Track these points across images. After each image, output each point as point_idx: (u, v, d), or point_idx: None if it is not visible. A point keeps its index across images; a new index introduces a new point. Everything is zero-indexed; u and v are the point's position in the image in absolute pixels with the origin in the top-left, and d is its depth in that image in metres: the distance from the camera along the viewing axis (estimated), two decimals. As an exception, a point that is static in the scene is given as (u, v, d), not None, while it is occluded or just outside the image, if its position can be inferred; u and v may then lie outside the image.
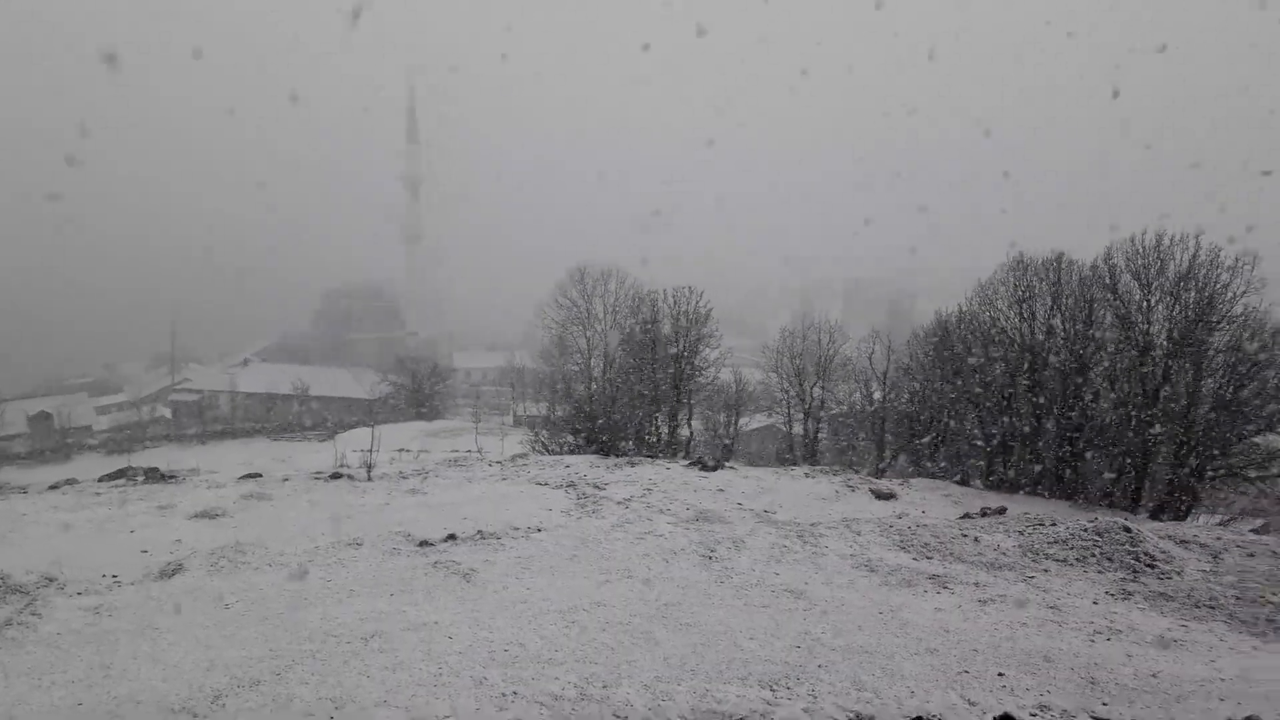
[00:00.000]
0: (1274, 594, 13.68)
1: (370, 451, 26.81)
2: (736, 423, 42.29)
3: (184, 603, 12.31)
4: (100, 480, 25.82)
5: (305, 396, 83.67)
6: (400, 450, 43.24)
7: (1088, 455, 26.87)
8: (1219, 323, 25.05)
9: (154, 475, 26.28)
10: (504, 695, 8.89)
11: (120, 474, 26.81)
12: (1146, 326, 25.99)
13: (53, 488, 24.07)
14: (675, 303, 38.78)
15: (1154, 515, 24.81)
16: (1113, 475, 26.50)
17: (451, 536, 16.47)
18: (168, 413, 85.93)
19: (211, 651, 10.23)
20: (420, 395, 77.33)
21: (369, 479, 23.75)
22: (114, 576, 14.01)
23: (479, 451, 41.12)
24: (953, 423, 31.91)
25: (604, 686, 9.18)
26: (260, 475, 26.15)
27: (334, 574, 13.88)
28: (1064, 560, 15.50)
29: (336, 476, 24.12)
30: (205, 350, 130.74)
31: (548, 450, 34.62)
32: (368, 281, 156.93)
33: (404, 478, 24.20)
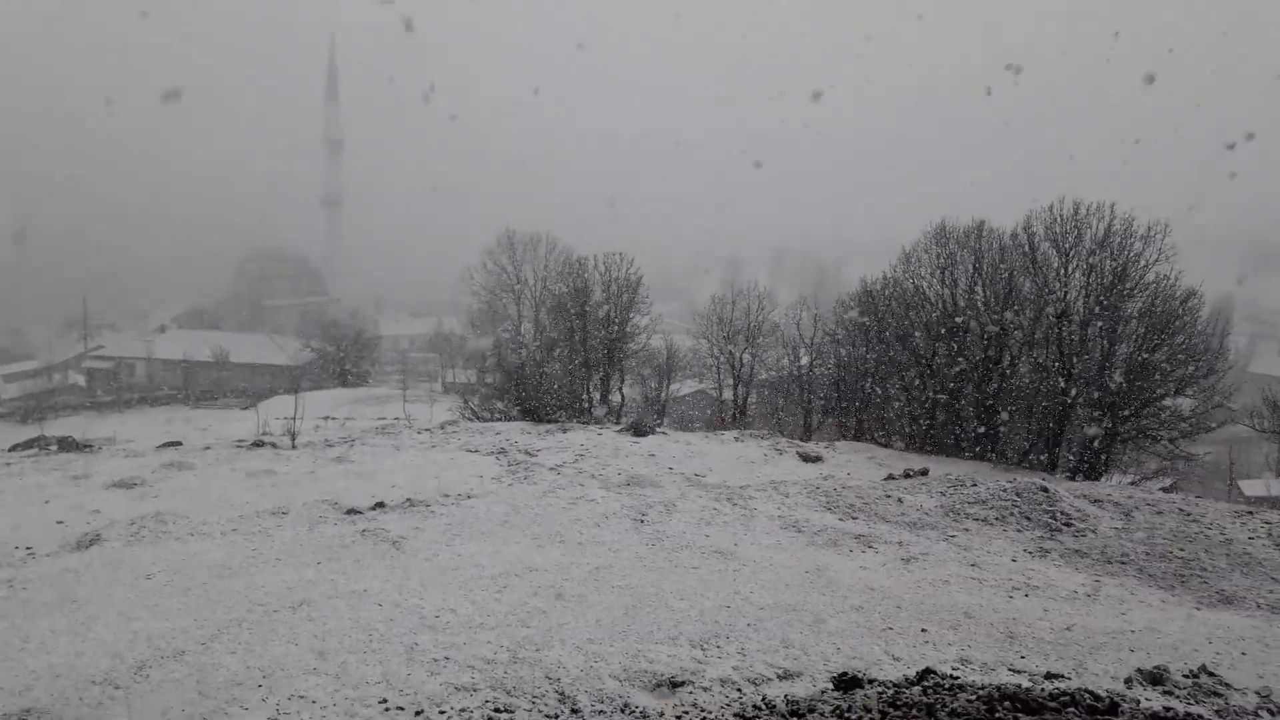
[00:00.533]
0: (1180, 549, 14.28)
1: (294, 419, 26.31)
2: (668, 388, 42.55)
3: (103, 574, 11.98)
4: (10, 450, 24.95)
5: (225, 364, 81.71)
6: (325, 418, 42.52)
7: (1007, 417, 27.63)
8: (1133, 290, 25.86)
9: (68, 444, 25.48)
10: (435, 660, 8.85)
11: (32, 443, 25.97)
12: (1064, 293, 26.72)
13: (-41, 458, 23.17)
14: (606, 269, 38.71)
15: (1070, 475, 25.65)
16: (1031, 437, 27.33)
17: (380, 504, 16.29)
18: (81, 380, 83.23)
19: (134, 623, 9.97)
20: (345, 362, 76.12)
21: (293, 447, 23.34)
22: (28, 548, 13.57)
23: (407, 419, 40.66)
24: (878, 387, 32.50)
25: (536, 649, 9.20)
26: (180, 444, 25.55)
27: (259, 543, 13.64)
28: (984, 519, 15.97)
29: (259, 445, 23.66)
30: (119, 316, 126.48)
31: (478, 417, 34.41)
32: (287, 245, 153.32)
33: (329, 445, 23.84)
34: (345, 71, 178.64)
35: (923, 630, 10.36)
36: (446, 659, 8.88)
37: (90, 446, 25.46)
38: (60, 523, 15.26)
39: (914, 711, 7.20)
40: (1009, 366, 27.87)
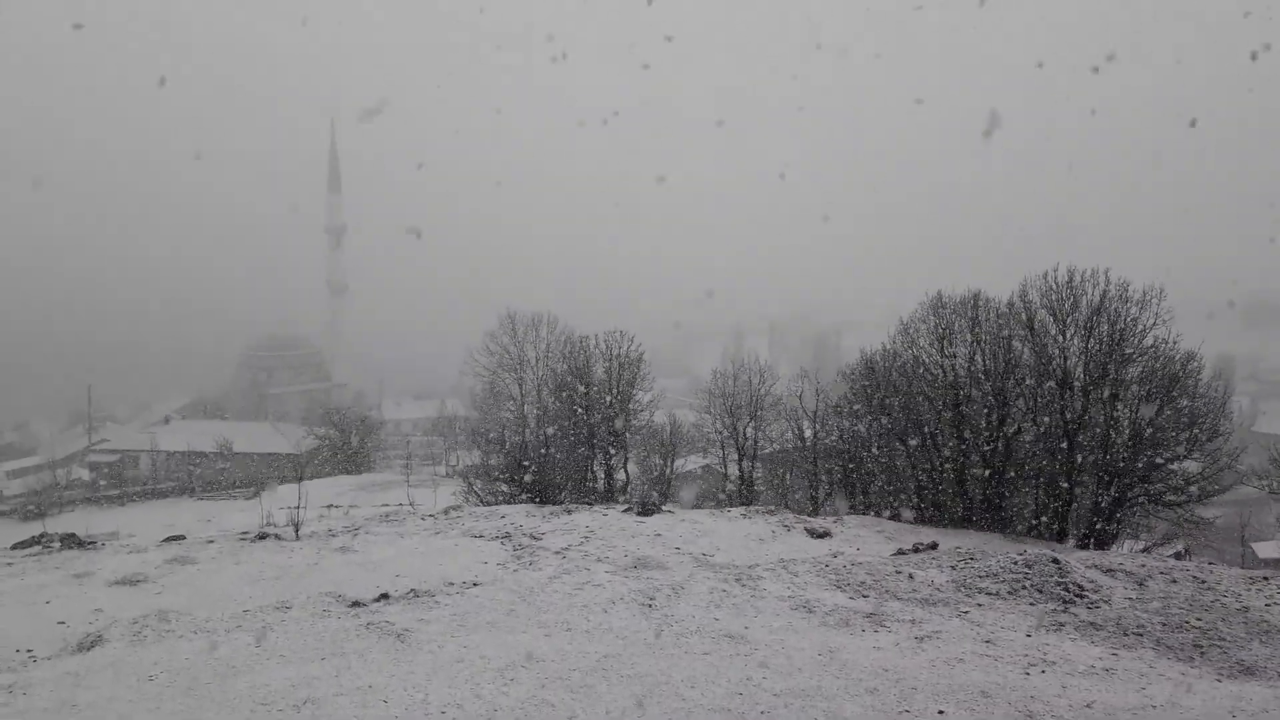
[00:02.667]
0: (1197, 619, 14.07)
1: (297, 509, 26.12)
2: (672, 465, 42.29)
3: (105, 677, 11.80)
4: (13, 548, 24.71)
5: (229, 454, 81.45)
6: (329, 506, 42.23)
7: (1014, 487, 27.45)
8: (1132, 354, 25.91)
9: (71, 541, 25.23)
10: (443, 760, 8.68)
11: (35, 541, 25.68)
12: (1063, 360, 26.77)
13: (-40, 559, 22.96)
14: (607, 346, 38.84)
15: (1080, 543, 25.40)
16: (1039, 506, 27.10)
17: (384, 595, 16.12)
18: (85, 474, 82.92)
19: (135, 728, 9.81)
20: (348, 448, 75.92)
21: (297, 538, 23.16)
22: (29, 651, 13.39)
23: (411, 504, 40.38)
24: (883, 459, 32.35)
25: (546, 745, 9.02)
26: (184, 537, 25.34)
27: (262, 639, 13.45)
28: (996, 594, 15.75)
29: (263, 536, 23.47)
30: (123, 409, 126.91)
31: (482, 501, 34.19)
32: (290, 333, 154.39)
33: (333, 535, 23.66)
34: (345, 152, 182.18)
35: (940, 712, 10.16)
36: (454, 758, 8.71)
37: (93, 543, 25.24)
38: (62, 623, 15.08)
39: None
40: (1013, 435, 27.78)
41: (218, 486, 74.12)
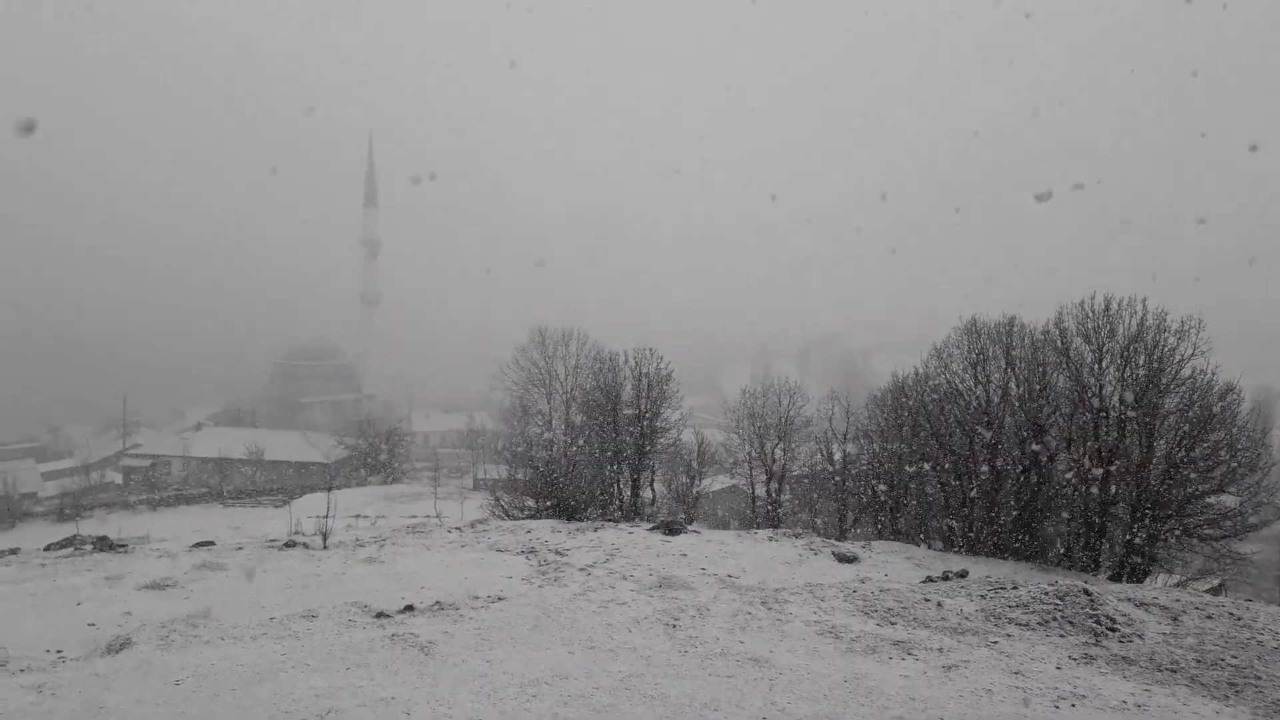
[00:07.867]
0: (1233, 656, 13.78)
1: (326, 518, 26.30)
2: (699, 485, 42.15)
3: (132, 679, 11.89)
4: (46, 549, 25.05)
5: (259, 461, 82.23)
6: (357, 516, 42.58)
7: (1046, 517, 27.09)
8: (1169, 385, 25.52)
9: (103, 544, 25.54)
10: (465, 775, 8.65)
11: (67, 542, 26.03)
12: (1099, 389, 26.42)
13: (-5, 558, 23.28)
14: (637, 364, 38.80)
15: (1113, 576, 25.00)
16: (1071, 536, 26.72)
17: (409, 607, 16.14)
18: (118, 478, 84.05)
19: (160, 732, 9.87)
20: (377, 459, 76.43)
21: (324, 547, 23.29)
22: (59, 652, 13.53)
23: (438, 517, 40.53)
24: (913, 484, 32.06)
25: (567, 764, 8.98)
26: (213, 543, 25.57)
27: (288, 647, 13.51)
28: (1026, 624, 15.52)
29: (291, 545, 23.62)
30: (157, 414, 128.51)
31: (508, 515, 34.24)
32: (322, 344, 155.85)
33: (360, 545, 23.76)
34: (381, 164, 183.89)
35: (966, 744, 10.00)
36: (475, 773, 8.68)
37: (124, 546, 25.52)
38: (92, 625, 15.25)
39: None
40: (1046, 464, 27.44)
41: (247, 493, 74.86)
